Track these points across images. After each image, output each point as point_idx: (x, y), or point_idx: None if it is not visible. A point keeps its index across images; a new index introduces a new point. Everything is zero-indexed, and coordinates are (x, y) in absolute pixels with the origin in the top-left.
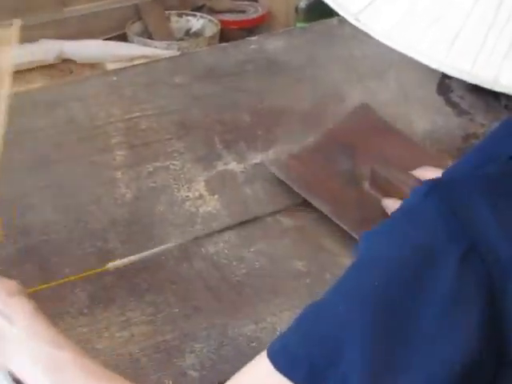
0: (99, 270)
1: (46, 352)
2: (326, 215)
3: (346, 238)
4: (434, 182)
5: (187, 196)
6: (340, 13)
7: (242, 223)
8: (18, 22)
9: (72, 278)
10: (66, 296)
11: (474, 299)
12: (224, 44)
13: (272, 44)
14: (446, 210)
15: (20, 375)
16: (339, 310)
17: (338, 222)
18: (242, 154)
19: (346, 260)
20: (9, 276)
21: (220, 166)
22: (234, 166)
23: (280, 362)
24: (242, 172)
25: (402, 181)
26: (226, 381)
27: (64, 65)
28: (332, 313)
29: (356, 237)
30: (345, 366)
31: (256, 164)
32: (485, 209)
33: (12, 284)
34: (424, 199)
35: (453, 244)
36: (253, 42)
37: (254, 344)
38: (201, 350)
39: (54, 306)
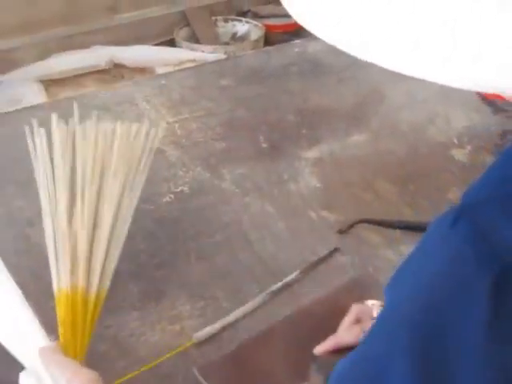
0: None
1: None
2: None
3: None
4: (459, 209)
5: (236, 191)
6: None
7: (288, 216)
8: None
9: None
10: (119, 291)
11: (509, 318)
12: (268, 47)
13: (314, 47)
14: (475, 236)
15: None
16: (376, 353)
17: None
18: (286, 152)
19: None
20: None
21: (266, 164)
22: (279, 163)
23: None
24: (286, 170)
25: None
26: None
27: (115, 70)
28: (369, 358)
29: None
30: None
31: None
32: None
33: (89, 376)
34: (450, 228)
35: (485, 268)
36: (296, 45)
37: None
38: None
39: (108, 300)
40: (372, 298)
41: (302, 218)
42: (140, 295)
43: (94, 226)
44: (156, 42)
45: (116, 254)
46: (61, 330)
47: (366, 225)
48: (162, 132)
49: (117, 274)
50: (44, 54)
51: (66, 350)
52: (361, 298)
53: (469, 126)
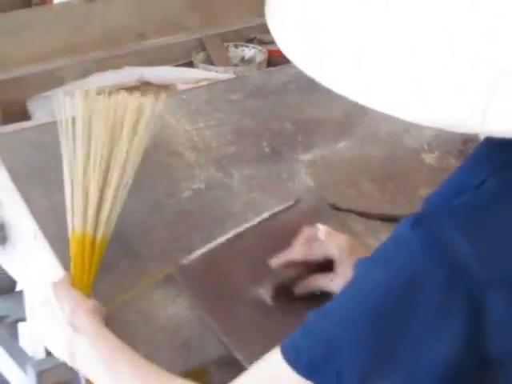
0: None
1: (106, 352)
2: None
3: None
4: (417, 216)
5: (243, 188)
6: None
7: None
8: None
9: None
10: (147, 271)
11: (458, 312)
12: (271, 68)
13: None
14: (429, 241)
15: (84, 372)
16: (339, 318)
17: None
18: (285, 155)
19: None
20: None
21: (268, 166)
22: (279, 165)
23: (287, 352)
24: (285, 171)
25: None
26: None
27: (144, 86)
28: (334, 319)
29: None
30: (339, 363)
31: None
32: (460, 239)
33: (89, 303)
34: (410, 231)
35: (437, 269)
36: (294, 67)
37: None
38: None
39: (137, 279)
40: (323, 223)
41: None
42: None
43: (104, 180)
44: (177, 64)
45: (119, 205)
46: (71, 266)
47: (352, 215)
48: (163, 102)
49: (144, 257)
50: (84, 73)
51: (74, 284)
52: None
53: (436, 134)
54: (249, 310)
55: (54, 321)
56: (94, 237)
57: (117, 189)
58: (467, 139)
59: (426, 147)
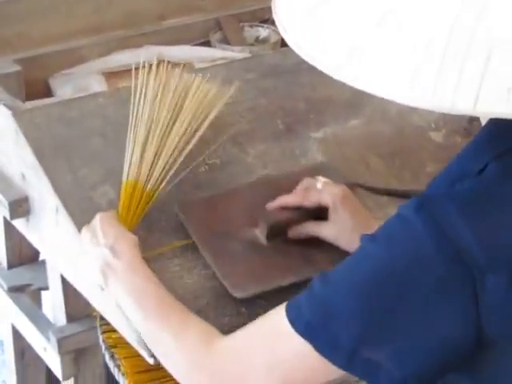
0: None
1: (137, 283)
2: None
3: None
4: (421, 199)
5: (257, 164)
6: (320, 69)
7: None
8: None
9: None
10: (164, 243)
11: (456, 295)
12: (284, 48)
13: None
14: (431, 226)
15: (115, 298)
16: (340, 287)
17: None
18: (298, 132)
19: None
20: None
21: (282, 143)
22: (292, 142)
23: (290, 311)
24: (298, 147)
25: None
26: None
27: (162, 65)
28: (335, 287)
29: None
30: (336, 328)
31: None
32: (461, 222)
33: (132, 237)
34: (414, 213)
35: (438, 253)
36: None
37: None
38: None
39: (155, 249)
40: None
41: None
42: (180, 246)
43: (162, 144)
44: (195, 43)
45: (173, 167)
46: (119, 208)
47: (360, 190)
48: (233, 91)
49: (163, 229)
50: (106, 51)
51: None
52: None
53: (444, 113)
54: (243, 246)
55: (94, 245)
56: (145, 186)
57: (171, 154)
58: (472, 118)
59: (433, 125)
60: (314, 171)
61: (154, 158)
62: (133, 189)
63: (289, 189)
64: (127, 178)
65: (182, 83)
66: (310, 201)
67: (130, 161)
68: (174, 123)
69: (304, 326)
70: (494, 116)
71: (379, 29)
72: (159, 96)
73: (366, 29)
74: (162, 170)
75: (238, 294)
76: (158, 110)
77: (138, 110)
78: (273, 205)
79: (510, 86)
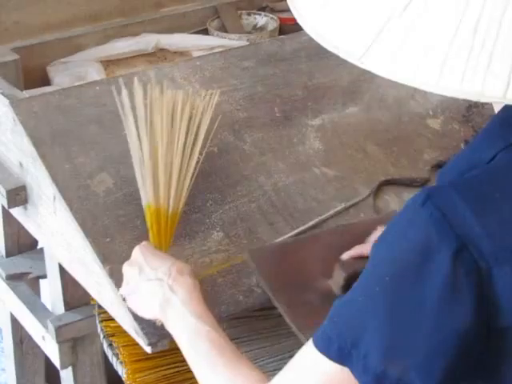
0: None
1: (191, 322)
2: None
3: None
4: (428, 191)
5: (254, 152)
6: (343, 57)
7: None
8: (216, 93)
9: None
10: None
11: (466, 285)
12: (282, 36)
13: None
14: (438, 218)
15: (170, 331)
16: (360, 303)
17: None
18: (295, 120)
19: None
20: None
21: (279, 130)
22: (290, 129)
23: (319, 342)
24: (296, 135)
25: None
26: None
27: (160, 53)
28: (355, 305)
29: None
30: (365, 346)
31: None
32: (469, 213)
33: (184, 265)
34: (421, 207)
35: (445, 244)
36: (304, 34)
37: None
38: None
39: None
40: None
41: (308, 172)
42: (177, 234)
43: (169, 162)
44: (192, 31)
45: (187, 183)
46: (150, 236)
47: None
48: (216, 97)
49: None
50: (104, 39)
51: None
52: None
53: (442, 100)
54: (317, 298)
55: (144, 280)
56: (167, 209)
57: (180, 171)
58: (471, 105)
59: (430, 112)
60: (388, 220)
61: (166, 177)
62: (157, 214)
63: (362, 238)
64: (148, 203)
65: (167, 101)
66: None
67: (145, 185)
68: (171, 142)
69: (336, 353)
70: None
71: (406, 13)
72: (149, 118)
73: (392, 14)
74: (177, 189)
75: None
76: (151, 131)
77: (133, 133)
78: (348, 254)
79: None
